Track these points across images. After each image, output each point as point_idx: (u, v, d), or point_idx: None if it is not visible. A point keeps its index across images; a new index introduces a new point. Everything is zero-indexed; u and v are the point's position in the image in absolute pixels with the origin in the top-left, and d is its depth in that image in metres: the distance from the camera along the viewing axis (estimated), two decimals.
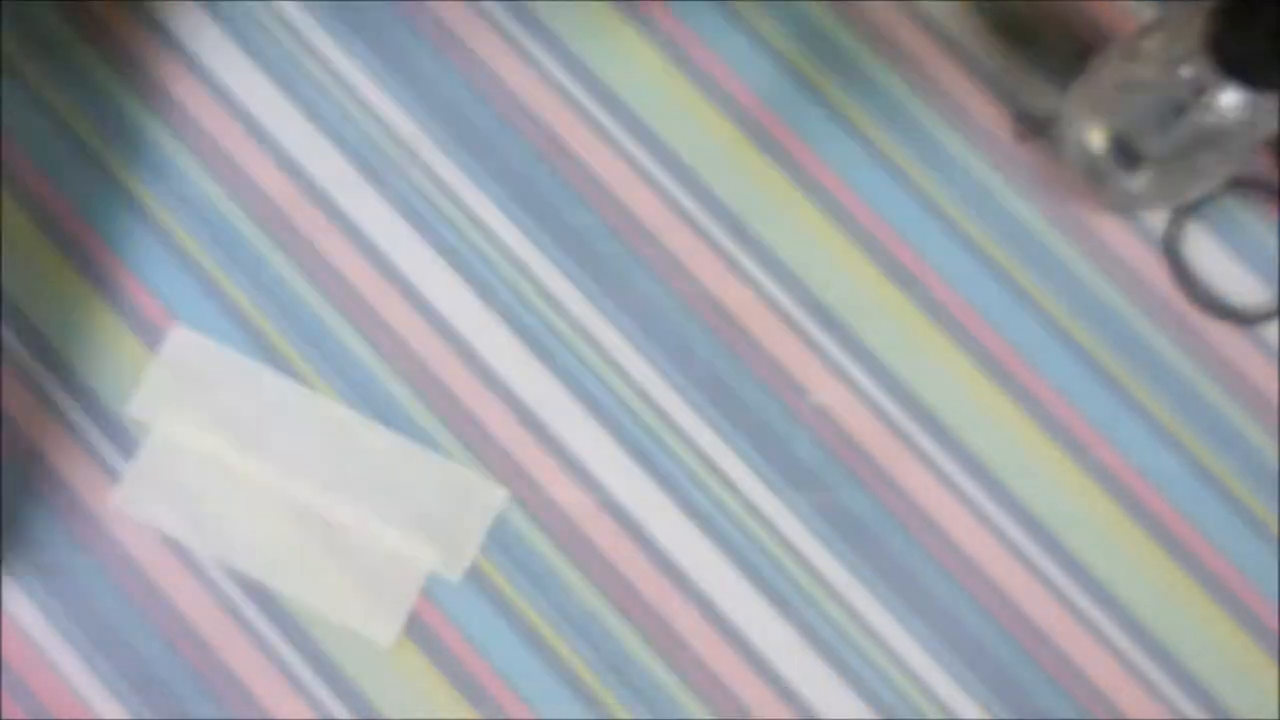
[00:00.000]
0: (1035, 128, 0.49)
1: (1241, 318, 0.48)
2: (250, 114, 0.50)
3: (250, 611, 0.46)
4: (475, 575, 0.46)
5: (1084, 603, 0.46)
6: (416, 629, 0.46)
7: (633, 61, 0.49)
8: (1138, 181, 0.46)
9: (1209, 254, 0.48)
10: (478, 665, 0.46)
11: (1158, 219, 0.48)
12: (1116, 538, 0.46)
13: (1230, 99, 0.40)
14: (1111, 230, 0.48)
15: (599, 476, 0.47)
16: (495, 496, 0.46)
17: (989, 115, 0.49)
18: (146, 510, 0.46)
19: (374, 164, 0.49)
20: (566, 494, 0.47)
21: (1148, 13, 0.50)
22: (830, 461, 0.47)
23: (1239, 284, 0.48)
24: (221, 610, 0.46)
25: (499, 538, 0.46)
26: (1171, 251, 0.48)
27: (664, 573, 0.46)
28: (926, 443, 0.47)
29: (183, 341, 0.47)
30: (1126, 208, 0.47)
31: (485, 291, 0.48)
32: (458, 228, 0.49)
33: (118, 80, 0.49)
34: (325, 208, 0.49)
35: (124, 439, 0.47)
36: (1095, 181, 0.47)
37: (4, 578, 0.46)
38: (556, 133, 0.49)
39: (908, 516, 0.46)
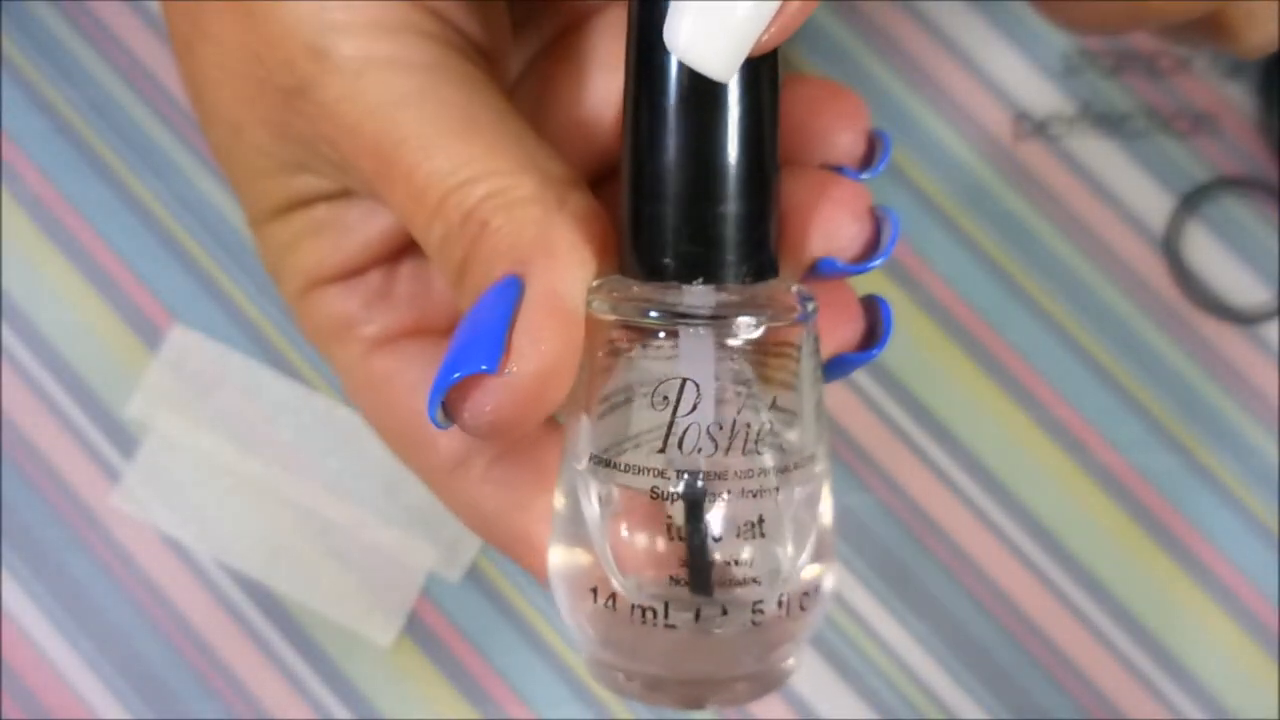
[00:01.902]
0: (1035, 128, 0.49)
1: (1241, 318, 0.48)
2: None
3: (250, 611, 0.46)
4: (475, 575, 0.46)
5: (1084, 602, 0.46)
6: (416, 629, 0.46)
7: None
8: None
9: (1209, 254, 0.48)
10: (478, 665, 0.46)
11: (1158, 219, 0.48)
12: (1116, 537, 0.46)
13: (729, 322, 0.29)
14: (1111, 229, 0.48)
15: None
16: None
17: (989, 115, 0.49)
18: (146, 510, 0.46)
19: None
20: None
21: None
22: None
23: (1239, 284, 0.48)
24: (221, 610, 0.46)
25: None
26: (1171, 251, 0.48)
27: None
28: (926, 443, 0.47)
29: (183, 341, 0.47)
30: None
31: None
32: None
33: (118, 80, 0.49)
34: None
35: (124, 439, 0.47)
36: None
37: (4, 578, 0.46)
38: None
39: (907, 516, 0.46)
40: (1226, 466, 0.47)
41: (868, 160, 0.32)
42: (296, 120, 0.30)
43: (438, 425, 0.28)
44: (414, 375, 0.32)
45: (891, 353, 0.47)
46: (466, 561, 0.46)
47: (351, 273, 0.33)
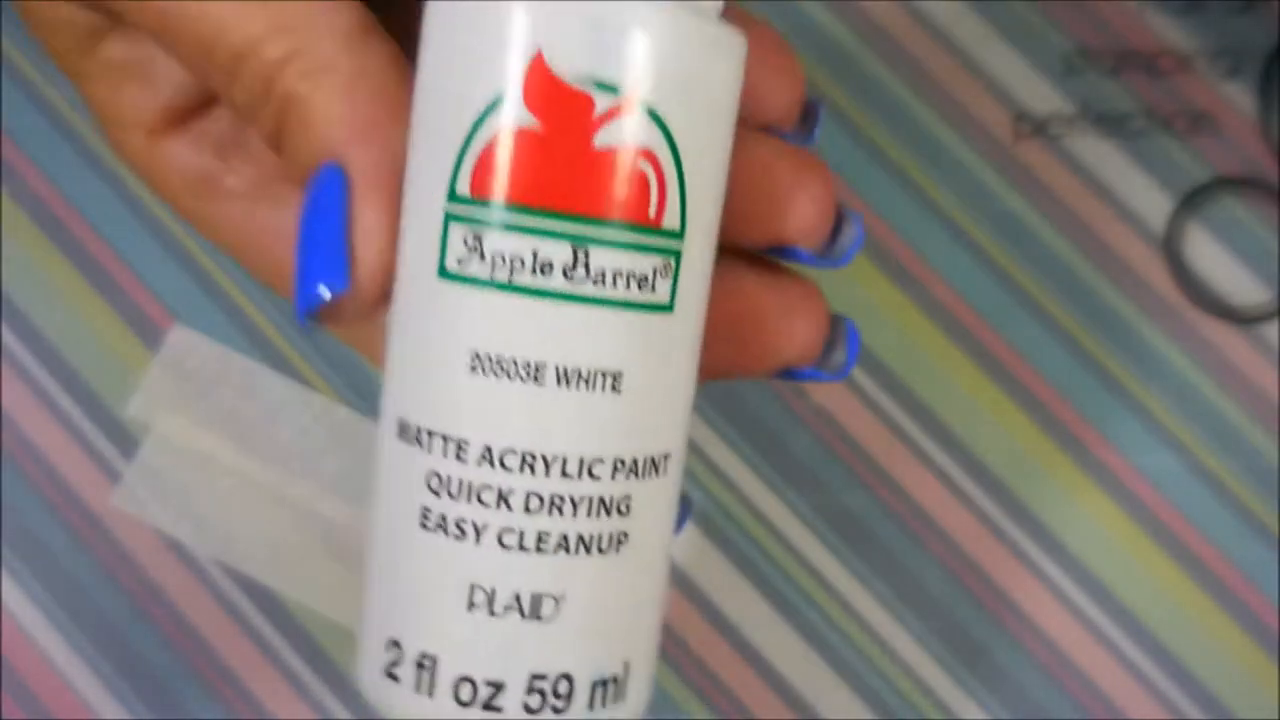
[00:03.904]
0: (1035, 128, 0.49)
1: (1241, 318, 0.48)
2: None
3: (250, 611, 0.46)
4: None
5: (1084, 603, 0.46)
6: None
7: None
8: None
9: (1209, 254, 0.48)
10: None
11: (1158, 219, 0.48)
12: (1116, 537, 0.46)
13: None
14: (1111, 230, 0.48)
15: None
16: None
17: (989, 115, 0.49)
18: (146, 510, 0.46)
19: None
20: None
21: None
22: (830, 461, 0.47)
23: (1239, 284, 0.48)
24: (221, 610, 0.46)
25: None
26: (1171, 251, 0.48)
27: None
28: (926, 443, 0.47)
29: (182, 341, 0.47)
30: None
31: None
32: None
33: None
34: None
35: (124, 439, 0.47)
36: None
37: (4, 578, 0.46)
38: None
39: (907, 516, 0.47)
40: (1226, 466, 0.47)
41: (803, 126, 0.30)
42: None
43: (310, 327, 0.27)
44: (293, 225, 0.30)
45: (892, 353, 0.48)
46: None
47: (181, 118, 0.30)
